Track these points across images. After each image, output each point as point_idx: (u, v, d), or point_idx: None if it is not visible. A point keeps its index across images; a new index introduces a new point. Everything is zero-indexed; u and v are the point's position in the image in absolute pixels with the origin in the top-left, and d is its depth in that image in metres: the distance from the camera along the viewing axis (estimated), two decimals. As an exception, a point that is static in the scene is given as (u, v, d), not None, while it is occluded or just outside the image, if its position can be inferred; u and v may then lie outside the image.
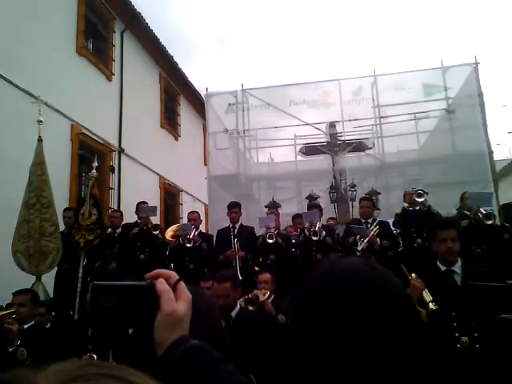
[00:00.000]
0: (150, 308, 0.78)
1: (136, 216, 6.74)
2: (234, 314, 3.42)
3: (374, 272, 0.78)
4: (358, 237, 5.67)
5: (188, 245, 6.08)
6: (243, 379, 0.74)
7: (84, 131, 9.31)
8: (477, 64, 9.52)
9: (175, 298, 0.80)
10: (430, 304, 3.00)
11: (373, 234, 5.64)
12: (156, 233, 6.45)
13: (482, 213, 5.48)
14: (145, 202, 6.96)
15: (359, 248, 5.50)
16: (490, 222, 5.38)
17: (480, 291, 2.91)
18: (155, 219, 7.05)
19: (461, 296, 3.02)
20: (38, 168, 6.42)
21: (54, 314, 5.27)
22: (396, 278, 0.80)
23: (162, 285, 0.80)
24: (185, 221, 7.77)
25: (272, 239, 5.88)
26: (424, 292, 3.05)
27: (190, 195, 13.80)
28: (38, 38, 8.17)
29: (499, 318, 2.74)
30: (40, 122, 6.46)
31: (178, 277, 0.84)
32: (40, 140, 6.49)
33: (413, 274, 3.26)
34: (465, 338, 2.89)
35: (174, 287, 0.82)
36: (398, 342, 0.70)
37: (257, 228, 6.61)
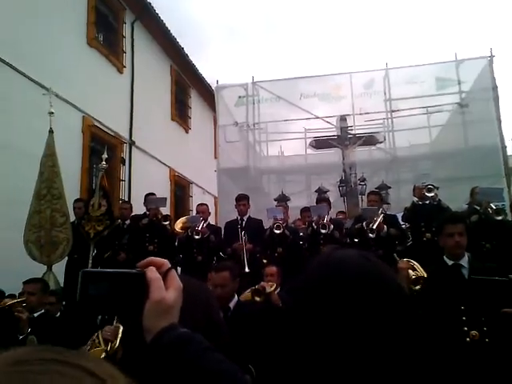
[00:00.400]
0: (139, 296, 0.78)
1: (145, 208, 6.77)
2: (232, 305, 3.39)
3: (369, 264, 0.79)
4: (365, 223, 5.68)
5: (196, 236, 6.11)
6: (232, 368, 0.73)
7: (95, 123, 9.36)
8: (492, 57, 9.36)
9: (166, 286, 0.80)
10: (411, 272, 3.04)
11: (380, 221, 5.63)
12: (166, 223, 6.46)
13: (491, 208, 5.40)
14: (153, 194, 6.99)
15: (373, 226, 5.52)
16: (499, 218, 5.30)
17: (485, 285, 2.91)
18: (165, 211, 7.08)
19: (469, 290, 3.01)
20: (49, 159, 6.50)
21: (64, 303, 5.34)
22: (391, 271, 0.81)
23: (151, 273, 0.80)
24: (194, 213, 7.79)
25: (279, 230, 5.88)
26: (409, 270, 3.08)
27: (200, 187, 13.84)
28: (49, 30, 8.20)
29: (501, 312, 2.74)
30: (51, 113, 6.52)
31: (169, 265, 0.84)
32: (51, 131, 6.56)
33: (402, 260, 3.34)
34: (474, 332, 2.90)
35: (165, 275, 0.82)
36: (392, 334, 0.71)
37: (265, 220, 6.61)
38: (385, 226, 5.66)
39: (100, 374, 0.42)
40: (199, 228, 6.19)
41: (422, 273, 3.10)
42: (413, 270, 3.12)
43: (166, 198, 6.90)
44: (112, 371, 0.44)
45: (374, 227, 5.53)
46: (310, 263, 0.85)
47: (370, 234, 5.52)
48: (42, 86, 7.38)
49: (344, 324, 0.71)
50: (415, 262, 3.20)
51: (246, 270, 5.68)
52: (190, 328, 1.11)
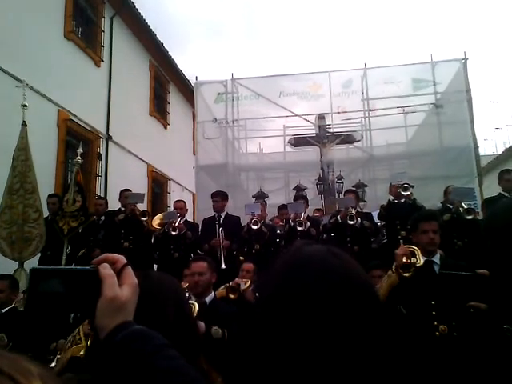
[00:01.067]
0: (92, 293, 0.77)
1: (120, 204, 6.68)
2: (208, 300, 3.41)
3: (335, 260, 0.78)
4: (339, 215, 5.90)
5: (173, 232, 6.07)
6: (186, 365, 0.72)
7: (71, 117, 9.17)
8: (466, 60, 9.58)
9: (120, 283, 0.79)
10: (404, 259, 3.08)
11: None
12: (144, 219, 6.37)
13: (463, 208, 5.55)
14: (129, 190, 6.90)
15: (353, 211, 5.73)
16: (470, 217, 5.45)
17: (453, 280, 3.01)
18: (142, 207, 7.00)
19: (439, 285, 3.11)
20: (22, 153, 6.33)
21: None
22: (359, 268, 0.79)
23: (104, 269, 0.79)
24: (172, 210, 7.73)
25: (256, 225, 5.90)
26: (404, 257, 3.13)
27: (179, 184, 13.74)
28: (24, 21, 7.97)
29: (467, 305, 2.84)
30: (24, 106, 6.35)
31: (125, 261, 0.83)
32: (24, 125, 6.38)
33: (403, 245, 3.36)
34: (443, 327, 3.00)
35: (120, 272, 0.81)
36: (356, 330, 0.70)
37: (243, 216, 6.61)
38: (359, 219, 5.79)
39: (9, 372, 0.41)
40: (176, 224, 6.15)
41: (420, 260, 3.15)
42: (411, 257, 3.15)
43: (143, 194, 6.82)
44: (26, 369, 0.43)
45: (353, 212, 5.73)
46: (278, 258, 0.84)
47: (350, 221, 5.65)
48: (16, 78, 7.19)
49: (306, 320, 0.70)
50: (417, 249, 3.24)
51: (223, 266, 5.68)
52: (160, 321, 1.12)
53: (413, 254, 3.18)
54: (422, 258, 3.18)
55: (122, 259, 0.83)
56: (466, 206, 5.59)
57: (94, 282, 0.78)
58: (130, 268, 0.82)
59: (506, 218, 0.96)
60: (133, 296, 0.79)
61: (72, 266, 0.83)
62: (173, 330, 1.13)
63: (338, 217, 5.87)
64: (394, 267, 3.11)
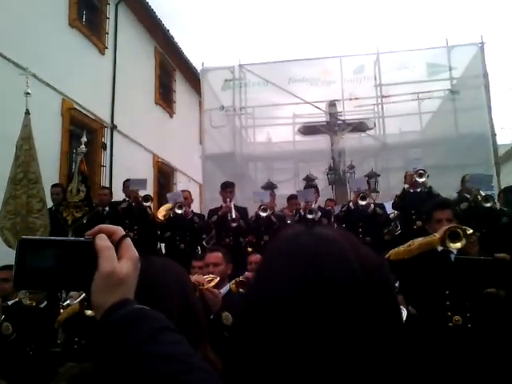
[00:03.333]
0: (87, 267, 0.69)
1: (124, 194, 6.52)
2: (223, 291, 3.30)
3: (308, 240, 0.70)
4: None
5: (178, 211, 5.91)
6: (186, 351, 0.64)
7: (75, 106, 9.05)
8: (483, 44, 9.37)
9: (118, 257, 0.71)
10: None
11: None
12: (147, 204, 6.21)
13: (480, 195, 5.46)
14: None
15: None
16: (488, 205, 5.37)
17: (470, 266, 2.93)
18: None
19: (454, 275, 3.03)
20: (26, 142, 6.21)
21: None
22: (342, 247, 0.68)
23: (101, 241, 0.71)
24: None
25: (265, 212, 5.75)
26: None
27: (185, 175, 13.57)
28: (28, 8, 7.84)
29: (484, 292, 2.82)
30: (28, 94, 6.22)
31: (123, 233, 0.75)
32: (27, 113, 6.25)
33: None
34: (457, 317, 2.93)
35: (118, 244, 0.73)
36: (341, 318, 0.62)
37: (250, 208, 6.43)
38: (372, 204, 5.75)
39: None
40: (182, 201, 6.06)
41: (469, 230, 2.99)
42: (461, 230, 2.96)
43: (146, 180, 6.60)
44: None
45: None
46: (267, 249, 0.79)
47: (362, 202, 5.59)
48: (19, 66, 7.08)
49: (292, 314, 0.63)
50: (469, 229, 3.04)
51: (234, 215, 5.78)
52: (164, 310, 0.98)
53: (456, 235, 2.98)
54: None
55: (119, 230, 0.75)
56: (483, 194, 5.51)
57: (89, 254, 0.70)
58: (129, 240, 0.75)
59: None
60: (133, 271, 0.72)
61: (64, 237, 0.68)
62: (177, 320, 1.00)
63: (350, 204, 5.71)
64: (442, 232, 2.95)
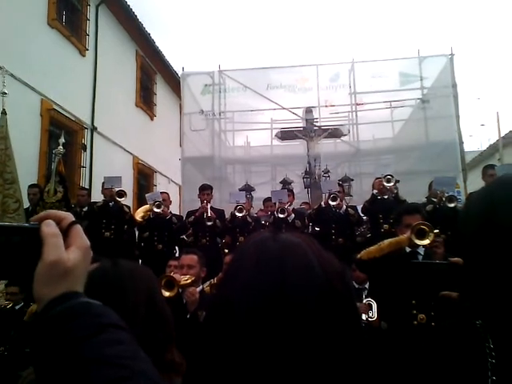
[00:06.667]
0: (32, 256, 0.63)
1: (103, 196, 6.57)
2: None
3: (272, 244, 0.70)
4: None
5: (157, 209, 6.03)
6: (129, 353, 0.58)
7: (55, 107, 9.01)
8: (452, 55, 9.64)
9: (67, 245, 0.65)
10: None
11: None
12: (121, 200, 6.19)
13: (445, 196, 5.62)
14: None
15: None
16: (452, 205, 5.50)
17: (427, 269, 2.97)
18: (128, 199, 6.89)
19: (419, 275, 3.04)
20: (2, 142, 6.19)
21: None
22: (308, 251, 0.70)
23: (47, 227, 0.64)
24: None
25: (241, 212, 5.90)
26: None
27: (165, 176, 13.62)
28: (6, 7, 7.77)
29: (439, 295, 2.86)
30: (4, 93, 6.21)
31: (72, 218, 0.69)
32: (4, 113, 6.24)
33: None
34: (422, 316, 3.04)
35: (67, 231, 0.66)
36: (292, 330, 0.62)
37: (227, 210, 6.57)
38: (344, 205, 5.93)
39: None
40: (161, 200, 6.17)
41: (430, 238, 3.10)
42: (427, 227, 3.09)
43: (120, 177, 6.57)
44: None
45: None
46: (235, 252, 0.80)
47: (332, 202, 5.76)
48: (-4, 65, 7.01)
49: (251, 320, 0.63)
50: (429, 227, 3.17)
51: (209, 214, 5.97)
52: (129, 313, 1.07)
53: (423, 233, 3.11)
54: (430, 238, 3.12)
55: (69, 216, 0.69)
56: (447, 194, 5.66)
57: (34, 242, 0.64)
58: (79, 227, 0.68)
59: (480, 207, 0.91)
60: (82, 261, 0.65)
61: (7, 223, 0.66)
62: (143, 324, 1.09)
63: (322, 203, 5.93)
64: (409, 232, 3.07)
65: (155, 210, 6.00)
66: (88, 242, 0.68)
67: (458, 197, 7.22)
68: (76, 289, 0.63)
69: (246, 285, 0.65)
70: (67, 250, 0.64)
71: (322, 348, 0.61)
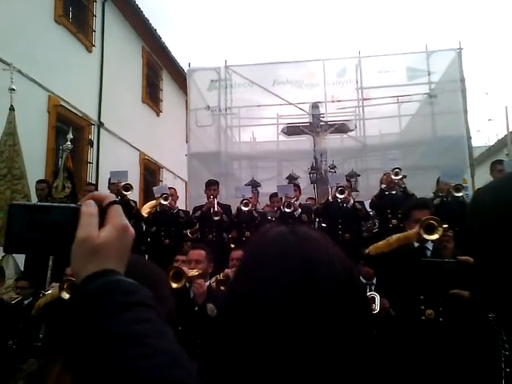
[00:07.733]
0: (72, 234, 0.67)
1: (109, 191, 6.59)
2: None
3: (295, 242, 0.71)
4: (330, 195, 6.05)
5: (164, 202, 6.04)
6: (154, 331, 0.58)
7: (62, 103, 9.04)
8: (460, 49, 9.54)
9: (105, 223, 0.67)
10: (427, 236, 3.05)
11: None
12: (127, 193, 6.22)
13: (451, 187, 5.60)
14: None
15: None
16: (459, 194, 5.50)
17: (436, 267, 2.98)
18: (134, 195, 6.91)
19: (428, 271, 3.06)
20: (10, 138, 6.26)
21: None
22: (327, 249, 0.71)
23: (85, 207, 0.67)
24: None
25: (247, 207, 5.90)
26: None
27: (171, 172, 13.65)
28: (13, 4, 7.81)
29: (449, 293, 2.85)
30: (12, 90, 6.27)
31: (113, 198, 0.71)
32: (12, 109, 6.30)
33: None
34: (430, 311, 3.03)
35: (105, 211, 0.69)
36: (317, 324, 0.64)
37: (234, 205, 6.58)
38: (351, 199, 5.91)
39: None
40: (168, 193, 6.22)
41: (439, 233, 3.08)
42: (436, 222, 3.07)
43: (126, 172, 6.62)
44: None
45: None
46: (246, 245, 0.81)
47: (340, 195, 5.76)
48: (3, 62, 7.04)
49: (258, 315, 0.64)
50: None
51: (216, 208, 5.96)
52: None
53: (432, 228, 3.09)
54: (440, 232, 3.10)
55: (110, 196, 0.71)
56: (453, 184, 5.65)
57: (75, 221, 0.67)
58: (117, 206, 0.70)
59: (492, 200, 0.90)
60: (115, 239, 0.66)
61: (54, 203, 0.73)
62: None
63: (329, 197, 5.88)
64: (418, 227, 3.06)
65: (162, 202, 6.02)
66: (124, 221, 0.69)
67: (466, 192, 7.17)
68: (107, 266, 0.64)
69: (271, 280, 0.65)
70: (102, 228, 0.66)
71: (347, 340, 0.63)
